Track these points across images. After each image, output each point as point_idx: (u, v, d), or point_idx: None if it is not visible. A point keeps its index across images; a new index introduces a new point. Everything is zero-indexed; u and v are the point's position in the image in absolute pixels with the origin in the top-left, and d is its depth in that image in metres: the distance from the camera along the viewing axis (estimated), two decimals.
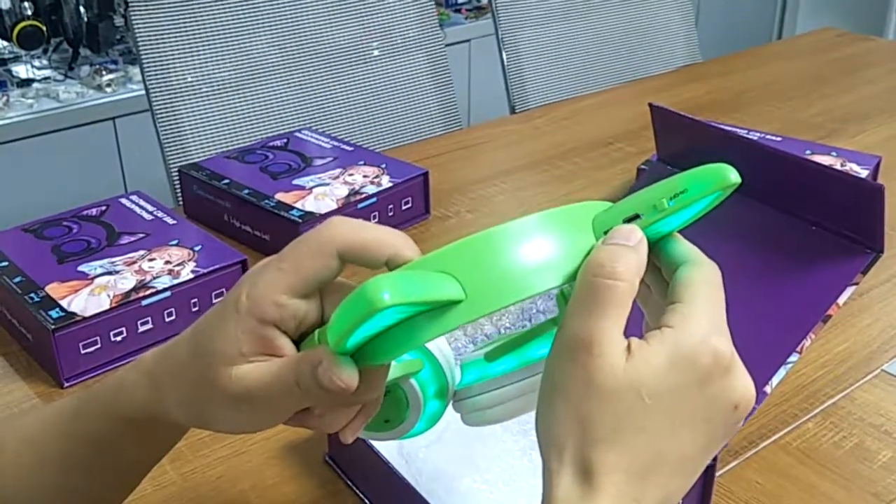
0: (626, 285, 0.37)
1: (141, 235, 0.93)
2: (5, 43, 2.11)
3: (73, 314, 0.80)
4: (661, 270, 0.43)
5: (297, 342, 0.43)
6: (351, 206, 1.01)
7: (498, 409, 0.50)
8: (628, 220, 0.40)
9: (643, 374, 0.36)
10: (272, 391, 0.41)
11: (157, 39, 1.34)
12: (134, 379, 0.47)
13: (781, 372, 0.66)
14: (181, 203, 1.20)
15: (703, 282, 0.39)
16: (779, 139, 1.18)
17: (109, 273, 0.86)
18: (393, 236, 0.42)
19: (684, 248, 0.42)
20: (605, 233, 0.40)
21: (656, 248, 0.42)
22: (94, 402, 0.50)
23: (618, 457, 0.36)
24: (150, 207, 0.99)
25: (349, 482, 0.69)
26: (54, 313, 0.80)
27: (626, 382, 0.36)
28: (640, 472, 0.36)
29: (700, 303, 0.38)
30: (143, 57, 1.33)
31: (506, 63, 1.66)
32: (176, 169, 1.27)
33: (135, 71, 2.09)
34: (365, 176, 1.07)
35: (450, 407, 0.52)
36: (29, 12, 2.07)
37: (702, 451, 0.39)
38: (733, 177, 0.40)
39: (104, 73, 2.09)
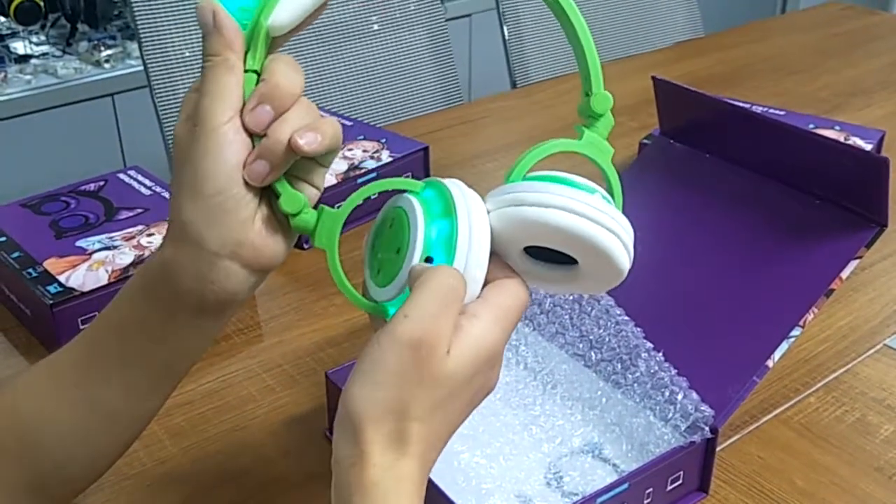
0: (461, 290, 0.47)
1: (139, 211, 0.93)
2: (2, 18, 2.09)
3: (72, 289, 0.80)
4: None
5: None
6: (350, 181, 1.01)
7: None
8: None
9: (456, 370, 0.45)
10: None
11: (155, 14, 1.33)
12: (151, 258, 0.51)
13: (784, 345, 0.65)
14: None
15: (505, 307, 0.48)
16: (782, 113, 1.17)
17: (108, 248, 0.86)
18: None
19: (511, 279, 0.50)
20: None
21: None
22: (109, 311, 0.52)
23: (426, 431, 0.45)
24: (148, 182, 0.99)
25: None
26: (52, 288, 0.80)
27: (445, 375, 0.45)
28: (436, 441, 0.47)
29: (493, 319, 0.47)
30: (142, 32, 1.32)
31: (507, 37, 1.65)
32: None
33: (133, 46, 2.07)
34: (364, 151, 1.07)
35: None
36: None
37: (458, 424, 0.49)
38: None
39: (102, 48, 2.07)
